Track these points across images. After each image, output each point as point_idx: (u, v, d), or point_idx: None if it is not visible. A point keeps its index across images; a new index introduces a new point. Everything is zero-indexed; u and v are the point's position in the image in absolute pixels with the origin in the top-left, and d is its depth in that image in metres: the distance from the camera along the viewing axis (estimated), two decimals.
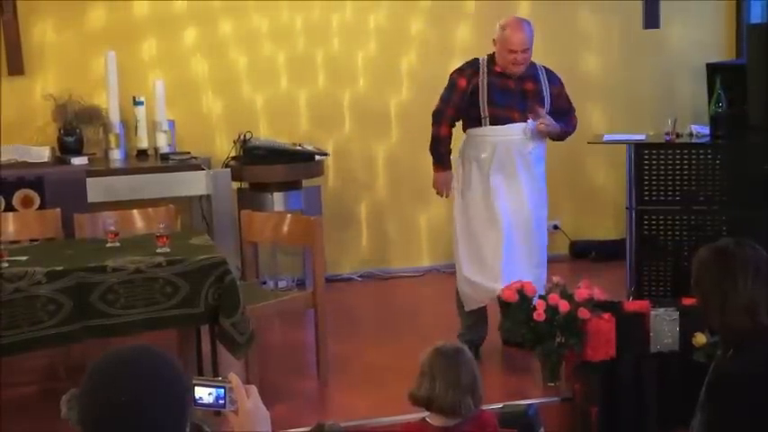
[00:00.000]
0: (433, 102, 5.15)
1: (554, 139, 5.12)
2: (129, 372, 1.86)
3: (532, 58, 5.05)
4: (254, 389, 2.10)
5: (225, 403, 2.05)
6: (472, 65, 5.03)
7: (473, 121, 5.00)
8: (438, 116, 5.03)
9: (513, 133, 4.96)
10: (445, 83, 5.80)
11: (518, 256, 4.97)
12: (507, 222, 4.96)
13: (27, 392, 4.82)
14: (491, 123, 4.95)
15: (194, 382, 2.00)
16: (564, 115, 5.11)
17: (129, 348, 1.92)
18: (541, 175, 5.10)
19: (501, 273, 4.88)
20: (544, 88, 5.05)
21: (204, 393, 2.04)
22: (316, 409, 4.57)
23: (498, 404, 3.77)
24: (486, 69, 4.98)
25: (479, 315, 5.02)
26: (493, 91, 4.94)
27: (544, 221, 5.17)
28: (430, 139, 5.06)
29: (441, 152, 5.06)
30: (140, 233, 4.91)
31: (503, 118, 4.95)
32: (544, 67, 5.13)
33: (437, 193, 5.16)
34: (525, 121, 4.96)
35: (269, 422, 2.09)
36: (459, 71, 5.04)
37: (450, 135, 5.05)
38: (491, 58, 5.01)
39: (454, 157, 5.11)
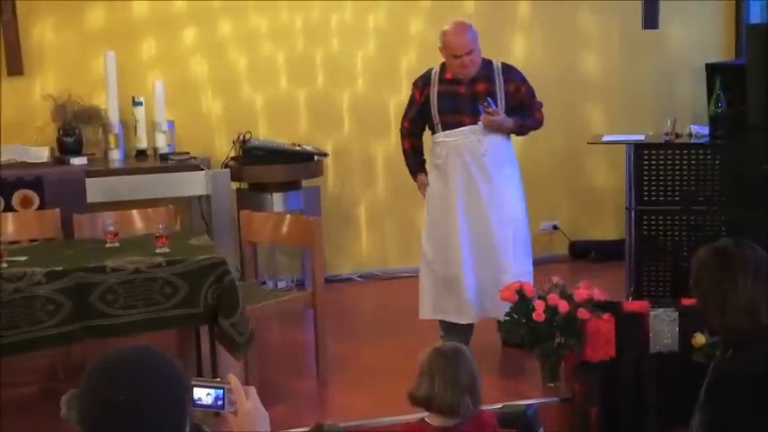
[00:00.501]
0: None
1: (516, 134, 5.11)
2: (129, 371, 1.86)
3: (491, 57, 5.06)
4: (252, 390, 2.10)
5: (224, 404, 2.05)
6: (424, 76, 5.07)
7: (432, 129, 5.06)
8: (401, 131, 5.19)
9: (463, 136, 4.94)
10: None
11: (481, 271, 4.95)
12: (465, 235, 4.94)
13: (27, 392, 4.81)
14: (443, 130, 4.98)
15: (193, 382, 2.00)
16: (526, 110, 5.05)
17: (128, 348, 1.92)
18: (508, 177, 5.03)
19: (466, 297, 4.92)
20: (498, 87, 4.97)
21: (203, 394, 2.04)
22: (315, 410, 4.57)
23: (497, 404, 3.77)
24: (437, 78, 5.00)
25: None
26: (442, 98, 4.96)
27: (518, 222, 5.07)
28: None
29: (409, 164, 5.18)
30: (140, 233, 4.91)
31: (452, 123, 4.95)
32: (503, 63, 5.10)
33: (424, 196, 5.17)
34: (476, 124, 4.91)
35: (268, 423, 2.09)
36: (414, 84, 5.12)
37: (413, 146, 5.14)
38: (443, 66, 5.03)
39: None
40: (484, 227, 4.95)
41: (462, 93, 4.96)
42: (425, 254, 5.07)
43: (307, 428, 3.95)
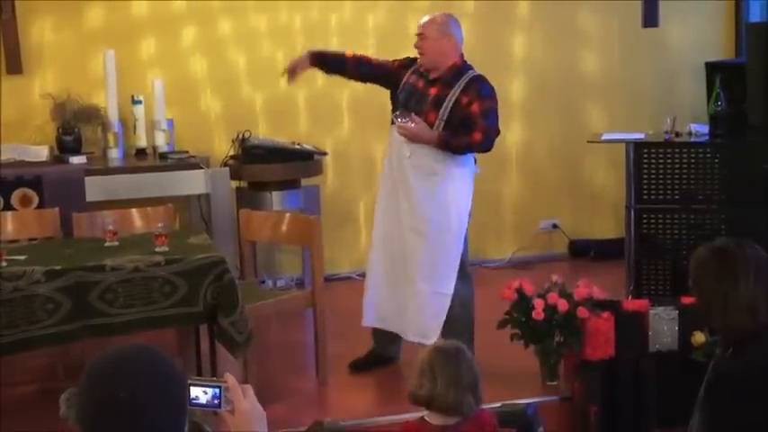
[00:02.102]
0: None
1: (444, 149, 4.65)
2: (128, 370, 1.86)
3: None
4: (249, 388, 2.09)
5: (220, 403, 2.05)
6: (415, 59, 4.86)
7: None
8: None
9: (394, 134, 4.75)
10: None
11: (385, 279, 4.85)
12: (379, 237, 4.86)
13: (26, 392, 4.81)
14: (392, 123, 4.78)
15: (190, 381, 2.00)
16: (468, 128, 4.64)
17: (127, 347, 1.92)
18: (433, 190, 4.69)
19: (365, 299, 4.88)
20: (451, 94, 4.65)
21: (200, 393, 2.04)
22: (315, 409, 4.56)
23: (497, 403, 3.77)
24: (413, 68, 4.84)
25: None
26: (403, 88, 4.81)
27: (437, 239, 4.72)
28: None
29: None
30: (139, 232, 4.90)
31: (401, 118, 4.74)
32: (477, 77, 4.73)
33: None
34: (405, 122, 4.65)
35: (265, 422, 2.09)
36: (404, 62, 4.92)
37: (354, 56, 4.96)
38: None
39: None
40: (396, 233, 4.79)
41: (419, 89, 4.74)
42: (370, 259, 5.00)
43: (306, 427, 3.95)
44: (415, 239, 4.75)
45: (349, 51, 5.01)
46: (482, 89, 4.70)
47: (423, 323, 4.73)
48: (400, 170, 4.77)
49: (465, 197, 4.81)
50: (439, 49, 4.73)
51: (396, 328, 4.87)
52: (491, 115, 4.69)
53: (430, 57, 4.73)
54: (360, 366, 4.95)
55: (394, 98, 4.88)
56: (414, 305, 4.76)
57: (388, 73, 4.92)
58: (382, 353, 5.02)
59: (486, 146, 4.72)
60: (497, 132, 4.74)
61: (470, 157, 4.83)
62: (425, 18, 4.81)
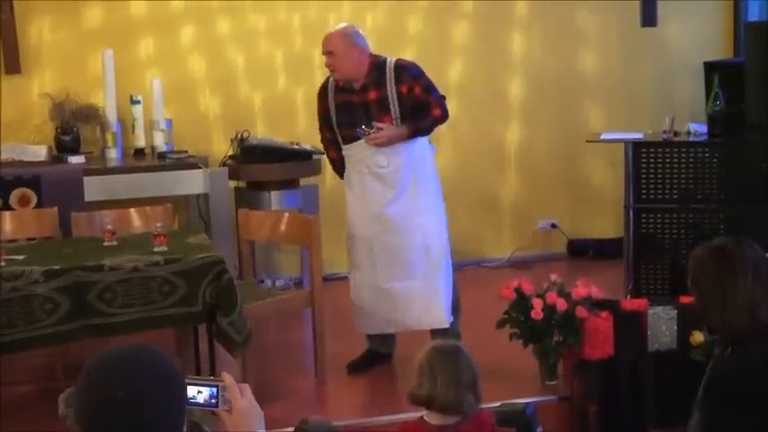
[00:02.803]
0: None
1: (418, 136, 4.81)
2: (126, 369, 1.86)
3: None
4: (247, 387, 2.09)
5: (217, 402, 2.05)
6: (321, 88, 4.90)
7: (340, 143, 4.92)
8: (323, 144, 5.06)
9: (360, 150, 4.78)
10: (442, 82, 5.81)
11: (413, 281, 4.85)
12: (378, 251, 4.86)
13: (25, 391, 4.81)
14: (344, 143, 4.85)
15: (187, 381, 2.00)
16: (423, 110, 4.77)
17: (125, 347, 1.92)
18: (417, 184, 4.83)
19: (400, 308, 4.85)
20: (389, 91, 4.72)
21: (197, 392, 2.04)
22: (313, 408, 4.56)
23: (496, 403, 3.77)
24: (333, 88, 4.83)
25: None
26: (339, 110, 4.80)
27: (430, 229, 4.88)
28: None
29: (339, 171, 5.03)
30: (138, 232, 4.90)
31: (350, 136, 4.78)
32: (397, 62, 4.80)
33: None
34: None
35: (263, 420, 2.09)
36: (317, 98, 4.94)
37: (339, 155, 4.94)
38: None
39: None
40: (389, 236, 4.83)
41: (356, 102, 4.75)
42: (354, 266, 5.03)
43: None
44: (413, 235, 4.84)
45: (333, 152, 5.01)
46: (411, 71, 4.79)
47: (435, 309, 4.84)
48: (379, 179, 4.81)
49: (436, 176, 4.99)
50: (352, 60, 4.74)
51: (399, 327, 4.92)
52: (433, 89, 4.84)
53: (346, 71, 4.75)
54: (357, 367, 4.95)
55: (330, 126, 4.88)
56: (420, 295, 4.83)
57: (330, 127, 4.92)
58: (378, 351, 5.04)
59: (445, 116, 4.89)
60: (444, 99, 4.90)
61: (426, 139, 4.94)
62: (328, 36, 4.77)
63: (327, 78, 4.88)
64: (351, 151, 4.84)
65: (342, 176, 5.01)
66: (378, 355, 5.03)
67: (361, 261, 4.93)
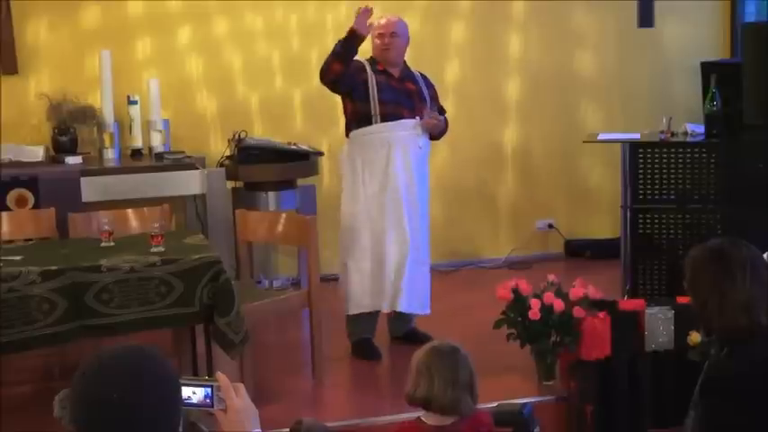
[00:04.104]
0: None
1: (434, 138, 5.21)
2: (121, 370, 1.86)
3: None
4: (241, 387, 2.10)
5: (212, 402, 2.05)
6: (356, 61, 5.03)
7: (360, 120, 5.02)
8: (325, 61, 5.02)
9: (406, 128, 5.04)
10: (440, 82, 5.83)
11: (415, 263, 5.06)
12: (410, 228, 5.03)
13: (22, 392, 4.81)
14: (381, 120, 5.01)
15: (181, 381, 2.00)
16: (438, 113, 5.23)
17: (120, 347, 1.93)
18: (427, 170, 5.24)
19: (402, 288, 5.00)
20: (424, 90, 5.16)
21: (191, 393, 2.04)
22: (311, 409, 4.56)
23: (493, 403, 3.76)
24: (371, 68, 5.05)
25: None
26: (381, 87, 5.01)
27: (427, 217, 5.28)
28: (330, 56, 5.00)
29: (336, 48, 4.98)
30: (135, 233, 4.90)
31: (393, 115, 5.01)
32: (419, 72, 5.25)
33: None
34: (414, 118, 5.04)
35: (258, 420, 2.09)
36: (350, 65, 4.98)
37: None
38: (372, 59, 5.10)
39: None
40: (415, 220, 5.08)
41: (397, 87, 5.07)
42: (355, 250, 5.08)
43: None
44: (424, 220, 5.16)
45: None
46: (431, 83, 5.28)
47: (420, 294, 5.11)
48: (416, 160, 5.07)
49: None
50: (404, 47, 5.17)
51: (389, 305, 5.09)
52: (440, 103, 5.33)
53: (398, 55, 5.13)
54: (372, 354, 5.10)
55: (359, 99, 5.02)
56: (411, 277, 5.03)
57: (350, 75, 5.01)
58: (369, 337, 5.16)
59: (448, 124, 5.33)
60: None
61: None
62: (392, 17, 5.13)
63: (358, 59, 5.04)
64: (396, 129, 5.02)
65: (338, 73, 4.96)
66: (371, 341, 5.16)
67: (364, 232, 5.05)
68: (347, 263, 5.11)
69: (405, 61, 5.19)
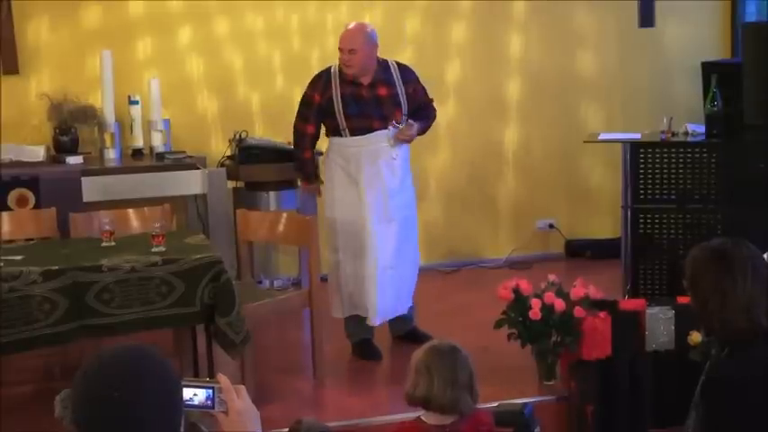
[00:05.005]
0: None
1: (420, 132, 5.15)
2: (122, 371, 1.86)
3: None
4: (243, 389, 2.10)
5: (213, 404, 2.05)
6: (321, 77, 5.02)
7: (334, 131, 5.02)
8: (300, 140, 5.09)
9: (376, 141, 4.97)
10: (440, 82, 5.82)
11: (388, 274, 5.02)
12: (379, 239, 4.98)
13: (23, 392, 4.81)
14: (351, 135, 4.97)
15: (183, 382, 2.00)
16: (423, 109, 5.15)
17: (121, 348, 1.93)
18: (408, 175, 5.13)
19: (374, 299, 4.98)
20: (399, 90, 5.02)
21: (193, 394, 2.04)
22: (311, 409, 4.56)
23: (494, 403, 3.77)
24: (337, 80, 4.97)
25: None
26: (346, 101, 4.94)
27: (415, 221, 5.24)
28: (293, 160, 5.21)
29: (308, 172, 5.17)
30: (136, 232, 4.91)
31: (361, 128, 4.96)
32: (397, 62, 5.14)
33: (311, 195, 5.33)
34: (386, 128, 4.96)
35: (259, 422, 2.10)
36: (312, 86, 5.03)
37: (313, 155, 5.15)
38: (341, 69, 5.01)
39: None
40: (392, 226, 5.02)
41: (366, 96, 4.96)
42: (337, 255, 5.08)
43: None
44: (409, 224, 5.12)
45: (308, 152, 5.15)
46: (412, 73, 5.13)
47: (407, 296, 5.13)
48: (390, 171, 5.00)
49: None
50: (370, 58, 5.00)
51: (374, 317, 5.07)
52: (427, 91, 5.20)
53: (362, 67, 4.97)
54: (372, 355, 5.11)
55: (324, 116, 5.01)
56: (395, 284, 5.03)
57: (318, 115, 5.04)
58: (368, 337, 5.15)
59: (435, 117, 5.29)
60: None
61: None
62: (349, 32, 4.98)
63: (327, 69, 5.03)
64: (365, 142, 4.96)
65: (311, 178, 5.18)
66: (371, 341, 5.16)
67: (347, 248, 5.03)
68: (332, 266, 5.14)
69: (379, 60, 5.05)
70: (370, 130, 4.95)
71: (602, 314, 4.41)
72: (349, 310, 5.10)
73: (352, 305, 5.08)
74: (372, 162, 4.97)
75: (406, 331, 5.25)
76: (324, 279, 5.04)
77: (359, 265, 5.00)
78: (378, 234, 4.97)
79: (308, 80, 6.40)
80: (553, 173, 6.96)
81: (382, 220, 4.97)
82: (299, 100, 5.15)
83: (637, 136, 5.69)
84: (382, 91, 4.99)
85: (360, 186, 4.98)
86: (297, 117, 5.12)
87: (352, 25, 5.03)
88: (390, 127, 4.95)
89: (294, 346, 5.35)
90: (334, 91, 4.95)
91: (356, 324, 5.12)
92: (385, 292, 4.99)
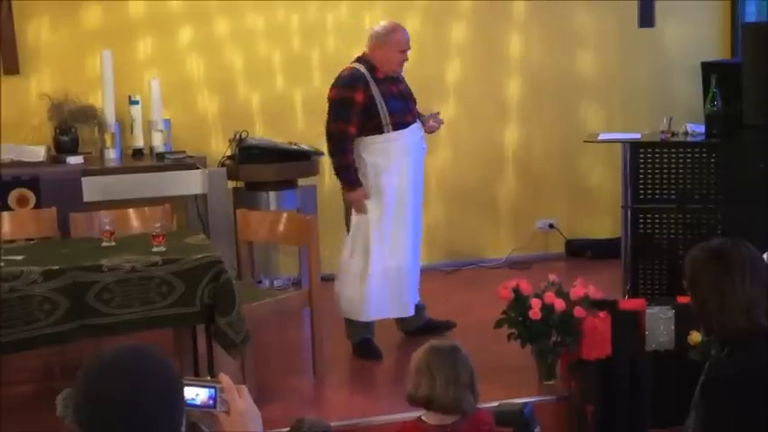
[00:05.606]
0: (428, 101, 5.15)
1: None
2: (124, 370, 1.87)
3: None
4: (244, 389, 2.10)
5: (215, 404, 2.05)
6: (359, 77, 4.99)
7: (374, 128, 4.99)
8: (343, 142, 4.97)
9: (413, 134, 5.11)
10: (440, 82, 5.83)
11: (407, 266, 5.14)
12: (416, 230, 5.16)
13: (23, 392, 4.81)
14: (393, 129, 5.01)
15: (185, 382, 2.00)
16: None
17: (122, 347, 1.93)
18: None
19: (413, 286, 5.16)
20: (406, 85, 5.19)
21: (195, 394, 2.04)
22: (312, 408, 4.57)
23: (494, 403, 3.77)
24: (372, 79, 5.00)
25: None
26: (387, 99, 5.01)
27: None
28: (335, 167, 5.06)
29: (353, 177, 5.01)
30: (136, 232, 4.91)
31: (402, 123, 5.04)
32: None
33: (360, 212, 5.07)
34: (416, 122, 5.13)
35: (260, 422, 2.10)
36: (351, 87, 4.97)
37: (353, 158, 5.03)
38: (369, 67, 5.01)
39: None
40: (417, 224, 5.21)
41: (395, 92, 5.08)
42: (377, 255, 5.06)
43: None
44: (408, 221, 5.14)
45: (351, 155, 5.03)
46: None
47: (408, 296, 5.18)
48: (421, 163, 5.21)
49: None
50: None
51: (388, 313, 5.18)
52: None
53: None
54: (374, 354, 5.12)
55: (368, 116, 4.97)
56: (405, 281, 5.13)
57: (359, 115, 5.00)
58: (371, 338, 5.17)
59: None
60: None
61: None
62: (407, 32, 5.16)
63: (356, 70, 5.02)
64: (406, 137, 5.06)
65: (358, 182, 5.00)
66: (372, 341, 5.18)
67: (393, 241, 5.08)
68: (362, 268, 5.08)
69: None
70: (407, 124, 5.06)
71: (601, 314, 4.41)
72: (379, 312, 5.11)
73: (395, 303, 5.11)
74: (413, 154, 5.10)
75: (418, 326, 5.26)
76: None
77: (401, 258, 5.07)
78: (411, 223, 5.12)
79: (308, 80, 6.44)
80: (553, 173, 6.97)
81: (416, 207, 5.17)
82: (331, 104, 5.03)
83: (637, 136, 5.69)
84: (402, 86, 5.13)
85: (403, 178, 5.05)
86: (335, 120, 4.98)
87: (396, 25, 5.16)
88: (431, 115, 5.23)
89: (294, 345, 5.35)
90: (373, 89, 4.98)
91: (357, 324, 5.12)
92: (404, 289, 5.13)
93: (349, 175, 5.00)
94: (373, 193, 5.03)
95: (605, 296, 4.60)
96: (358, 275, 5.07)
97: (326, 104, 5.05)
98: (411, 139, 5.09)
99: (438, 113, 5.34)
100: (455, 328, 5.30)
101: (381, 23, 5.17)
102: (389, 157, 5.03)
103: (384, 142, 5.01)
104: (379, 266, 5.04)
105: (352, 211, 5.10)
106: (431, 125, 5.24)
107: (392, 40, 5.03)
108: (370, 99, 4.96)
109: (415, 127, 5.12)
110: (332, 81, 6.46)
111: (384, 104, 4.98)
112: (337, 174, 5.06)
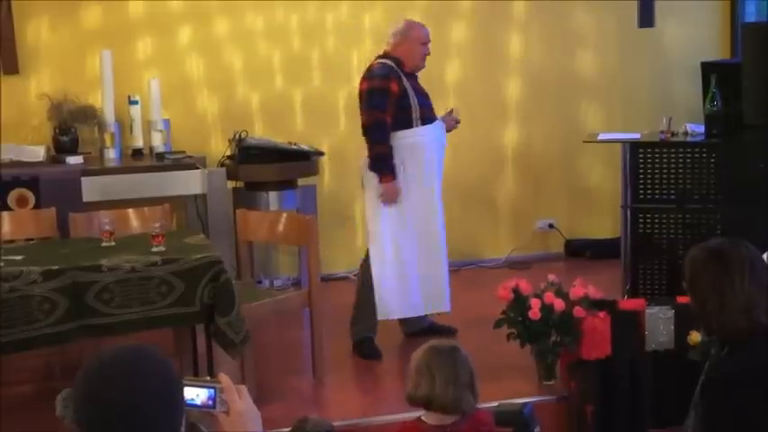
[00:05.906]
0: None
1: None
2: (123, 370, 1.87)
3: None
4: (244, 389, 2.10)
5: (214, 404, 2.05)
6: (392, 69, 5.01)
7: (403, 123, 5.00)
8: (382, 130, 4.94)
9: (440, 129, 5.19)
10: (440, 82, 5.83)
11: (436, 261, 5.17)
12: (441, 226, 5.18)
13: (23, 392, 4.81)
14: (422, 124, 5.06)
15: (184, 382, 2.00)
16: None
17: (122, 347, 1.93)
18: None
19: (444, 287, 5.18)
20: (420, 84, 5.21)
21: (194, 394, 2.04)
22: (312, 408, 4.56)
23: (494, 403, 3.77)
24: (402, 73, 5.04)
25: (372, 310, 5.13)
26: (414, 95, 5.05)
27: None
28: (374, 156, 4.97)
29: (391, 164, 4.98)
30: (136, 232, 4.91)
31: (428, 118, 5.09)
32: None
33: (390, 203, 5.04)
34: (437, 119, 5.18)
35: (260, 422, 2.10)
36: (386, 77, 4.96)
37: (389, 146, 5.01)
38: (396, 62, 5.04)
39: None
40: (441, 218, 5.23)
41: (419, 88, 5.13)
42: (397, 253, 5.07)
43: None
44: (437, 217, 5.18)
45: (388, 145, 5.00)
46: None
47: (444, 293, 5.20)
48: (440, 164, 5.21)
49: None
50: None
51: (424, 310, 5.20)
52: None
53: None
54: (374, 354, 5.12)
55: (400, 106, 4.99)
56: (440, 277, 5.18)
57: (393, 105, 5.00)
58: (372, 337, 5.17)
59: None
60: None
61: None
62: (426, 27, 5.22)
63: (386, 64, 5.04)
64: (433, 131, 5.12)
65: (393, 167, 4.98)
66: (372, 341, 5.18)
67: (421, 238, 5.11)
68: (386, 267, 5.09)
69: None
70: (432, 119, 5.11)
71: (601, 314, 4.41)
72: (401, 311, 5.14)
73: (427, 300, 5.15)
74: (438, 151, 5.16)
75: (421, 327, 5.26)
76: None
77: (431, 255, 5.12)
78: (438, 217, 5.17)
79: (307, 80, 6.44)
80: (553, 173, 6.97)
81: (440, 201, 5.20)
82: (366, 95, 4.97)
83: (636, 136, 5.69)
84: (419, 83, 5.16)
85: (429, 174, 5.10)
86: (371, 109, 4.93)
87: (415, 21, 5.25)
88: (453, 110, 5.31)
89: (294, 345, 5.35)
90: (405, 82, 5.02)
91: (365, 321, 5.11)
92: (421, 288, 5.15)
93: (387, 165, 4.97)
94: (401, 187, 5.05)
95: (605, 296, 4.60)
96: (396, 273, 5.10)
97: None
98: (437, 134, 5.15)
99: (452, 110, 5.33)
100: (457, 328, 5.29)
101: (403, 22, 5.23)
102: (417, 153, 5.05)
103: (413, 137, 5.03)
104: (412, 264, 5.11)
105: (373, 210, 5.07)
106: (448, 123, 5.27)
107: (413, 35, 5.10)
108: (403, 91, 5.00)
109: (439, 123, 5.18)
110: (331, 81, 6.49)
111: (415, 98, 5.03)
112: (373, 163, 5.00)
